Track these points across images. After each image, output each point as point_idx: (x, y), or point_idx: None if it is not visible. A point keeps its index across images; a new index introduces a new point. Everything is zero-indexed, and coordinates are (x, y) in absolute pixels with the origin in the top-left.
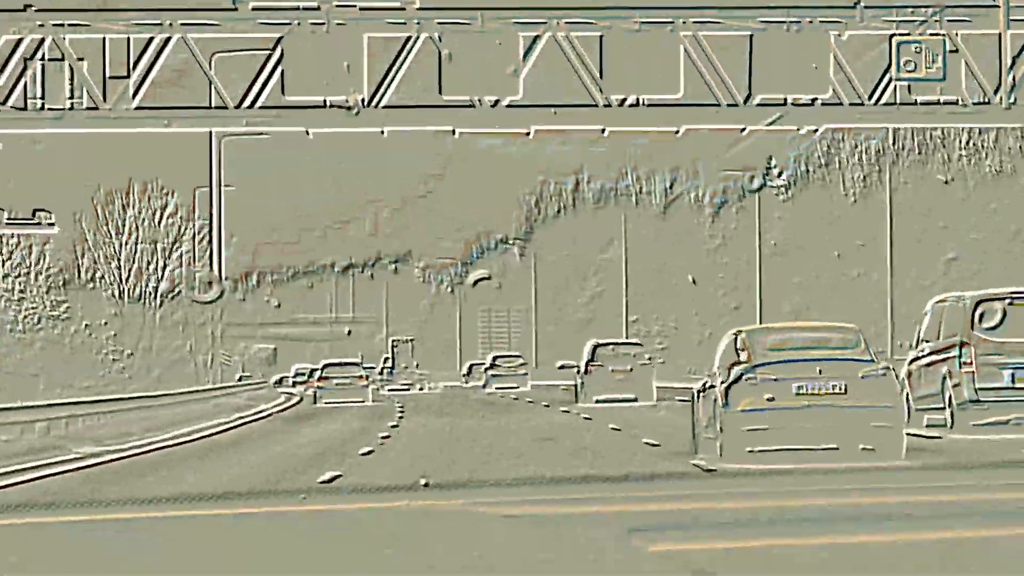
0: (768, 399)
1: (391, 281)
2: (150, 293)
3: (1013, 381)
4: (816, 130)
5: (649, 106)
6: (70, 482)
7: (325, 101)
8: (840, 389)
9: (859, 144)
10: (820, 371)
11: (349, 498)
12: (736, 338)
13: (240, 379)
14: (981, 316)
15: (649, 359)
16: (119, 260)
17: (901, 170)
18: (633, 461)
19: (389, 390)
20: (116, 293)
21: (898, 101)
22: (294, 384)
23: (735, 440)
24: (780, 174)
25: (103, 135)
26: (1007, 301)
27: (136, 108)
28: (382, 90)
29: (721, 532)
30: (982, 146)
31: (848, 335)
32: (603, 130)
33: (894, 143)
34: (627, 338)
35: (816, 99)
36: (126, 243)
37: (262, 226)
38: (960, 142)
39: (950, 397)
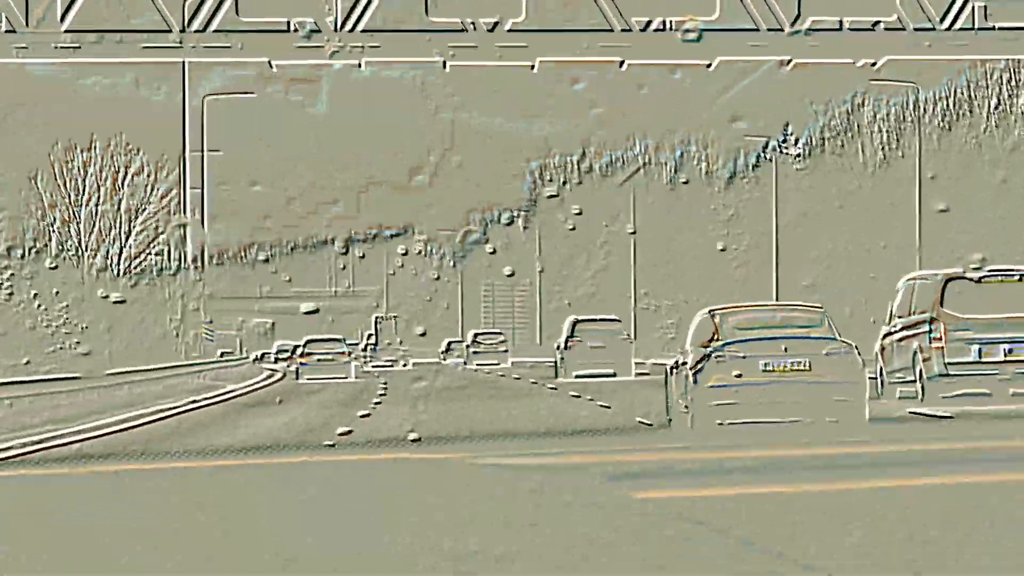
0: (736, 375)
1: (392, 254)
2: (113, 261)
3: (980, 356)
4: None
5: (675, 31)
6: None
7: (289, 24)
8: (805, 366)
9: (880, 109)
10: (786, 349)
11: (349, 451)
12: (707, 317)
13: (222, 355)
14: (950, 293)
15: (627, 336)
16: (78, 224)
17: (924, 137)
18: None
19: (373, 366)
20: (75, 262)
21: (976, 26)
22: (276, 360)
23: (705, 414)
24: (796, 142)
25: (62, 86)
26: (975, 279)
27: (65, 32)
28: (357, 11)
29: (699, 480)
30: (1010, 110)
31: (813, 315)
32: (621, 63)
33: (916, 109)
34: (635, 310)
35: (878, 22)
36: (86, 204)
37: (254, 196)
38: (988, 107)
39: (921, 371)
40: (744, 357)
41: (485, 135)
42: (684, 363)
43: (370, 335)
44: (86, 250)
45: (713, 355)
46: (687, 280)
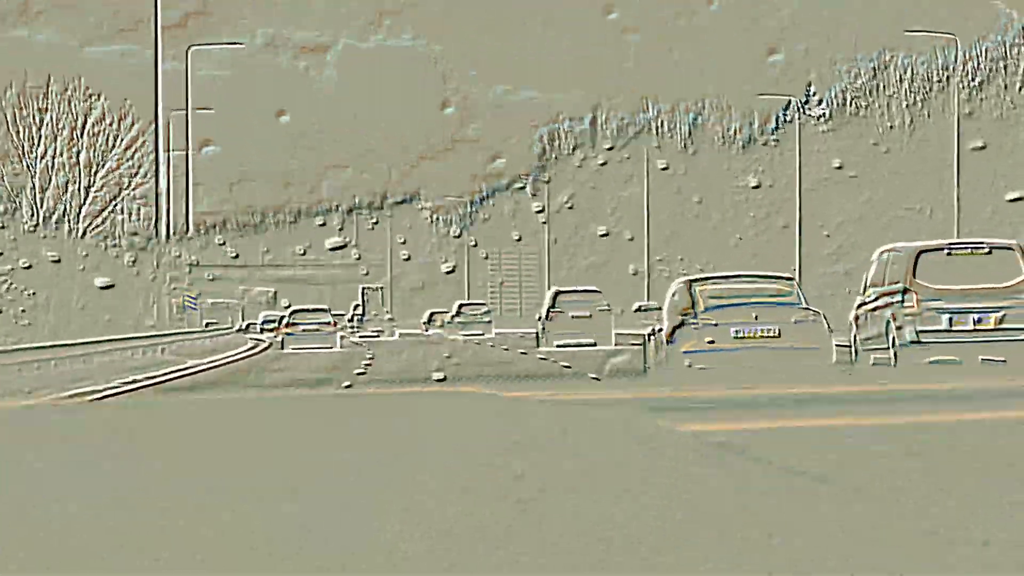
0: (708, 342)
1: (396, 223)
2: (72, 219)
3: (951, 324)
4: None
5: None
6: None
7: None
8: (774, 333)
9: (907, 68)
10: (756, 317)
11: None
12: (683, 287)
13: (207, 325)
14: (922, 264)
15: (608, 306)
16: (33, 178)
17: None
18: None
19: (359, 337)
20: (29, 220)
21: None
22: (262, 331)
23: (680, 379)
24: (820, 102)
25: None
26: (946, 251)
27: None
28: None
29: (733, 415)
30: None
31: (783, 285)
32: None
33: (950, 64)
34: (650, 272)
35: None
36: (42, 157)
37: (251, 162)
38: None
39: (894, 338)
40: (716, 324)
41: (494, 103)
42: (660, 330)
43: (356, 305)
44: (41, 207)
45: (687, 322)
46: (704, 246)
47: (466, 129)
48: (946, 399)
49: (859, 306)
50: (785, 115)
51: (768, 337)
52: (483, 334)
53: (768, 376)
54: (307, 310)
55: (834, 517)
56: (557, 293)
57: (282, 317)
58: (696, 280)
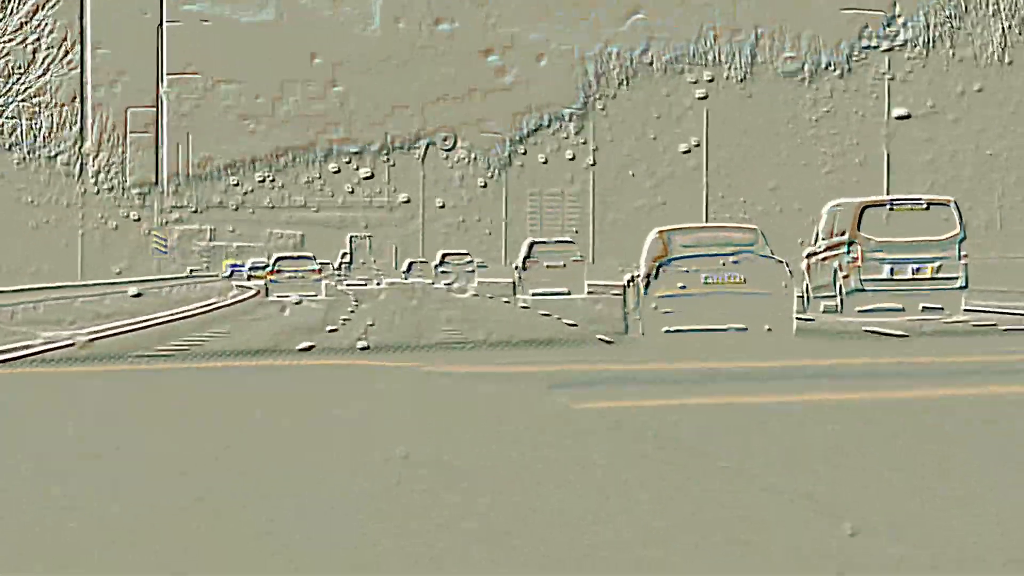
0: (680, 287)
1: (433, 162)
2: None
3: (892, 274)
4: None
5: None
6: None
7: None
8: (740, 279)
9: None
10: (724, 264)
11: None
12: (657, 237)
13: (191, 272)
14: (866, 218)
15: (581, 257)
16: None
17: None
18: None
19: (346, 285)
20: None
21: None
22: (249, 278)
23: (654, 321)
24: (904, 28)
25: None
26: (888, 206)
27: None
28: None
29: (639, 391)
30: None
31: (749, 235)
32: None
33: None
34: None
35: None
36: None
37: (289, 104)
38: None
39: (840, 287)
40: (687, 271)
41: (539, 43)
42: (637, 276)
43: (344, 253)
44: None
45: (661, 269)
46: (768, 189)
47: (507, 70)
48: (872, 375)
49: (809, 256)
50: (863, 41)
51: (735, 283)
52: (465, 283)
53: (733, 318)
54: (292, 257)
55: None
56: (532, 244)
57: (266, 264)
58: (669, 230)
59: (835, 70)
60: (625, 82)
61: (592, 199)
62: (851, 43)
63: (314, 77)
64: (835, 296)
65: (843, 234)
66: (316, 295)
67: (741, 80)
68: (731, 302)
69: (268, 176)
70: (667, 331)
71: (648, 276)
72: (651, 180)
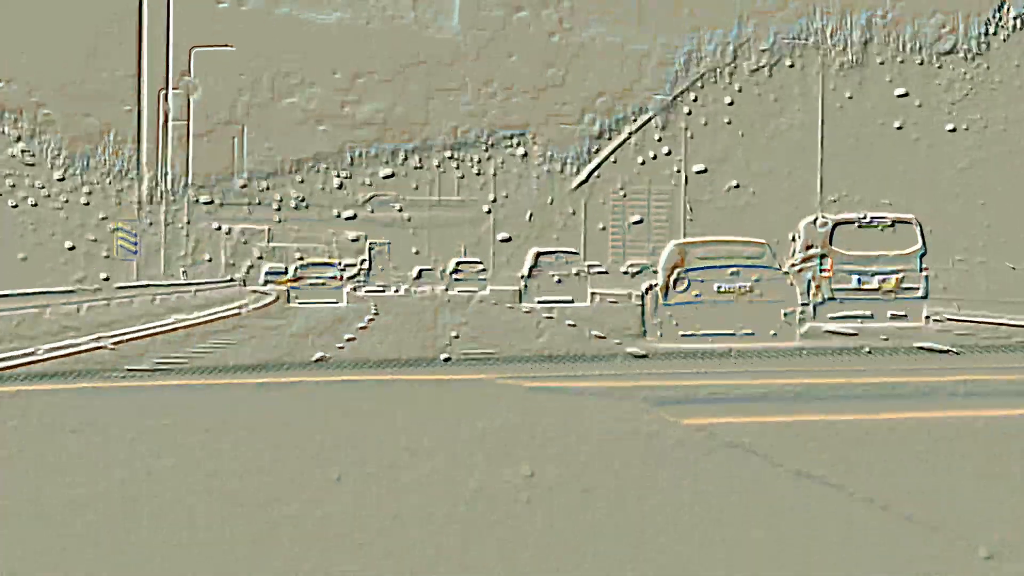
0: (696, 295)
1: (505, 161)
2: None
3: (859, 284)
4: None
5: None
6: None
7: None
8: (749, 288)
9: None
10: (734, 274)
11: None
12: (675, 248)
13: (185, 274)
14: (838, 234)
15: (585, 267)
16: None
17: None
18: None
19: (365, 291)
20: None
21: None
22: (266, 283)
23: (671, 326)
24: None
25: None
26: (856, 224)
27: None
28: None
29: (742, 408)
30: None
31: (758, 248)
32: None
33: None
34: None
35: None
36: None
37: (347, 100)
38: None
39: (812, 296)
40: (702, 280)
41: (623, 35)
42: (656, 285)
43: (363, 260)
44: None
45: (678, 278)
46: (888, 177)
47: (582, 63)
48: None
49: (788, 268)
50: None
51: (744, 292)
52: (477, 291)
53: (743, 322)
54: (314, 264)
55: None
56: (538, 254)
57: (286, 269)
58: (686, 243)
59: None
60: (721, 74)
61: (684, 200)
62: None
63: (383, 75)
64: (808, 304)
65: (816, 247)
66: (337, 302)
67: (854, 63)
68: (741, 309)
69: (334, 174)
70: (683, 335)
71: (666, 285)
72: (749, 174)
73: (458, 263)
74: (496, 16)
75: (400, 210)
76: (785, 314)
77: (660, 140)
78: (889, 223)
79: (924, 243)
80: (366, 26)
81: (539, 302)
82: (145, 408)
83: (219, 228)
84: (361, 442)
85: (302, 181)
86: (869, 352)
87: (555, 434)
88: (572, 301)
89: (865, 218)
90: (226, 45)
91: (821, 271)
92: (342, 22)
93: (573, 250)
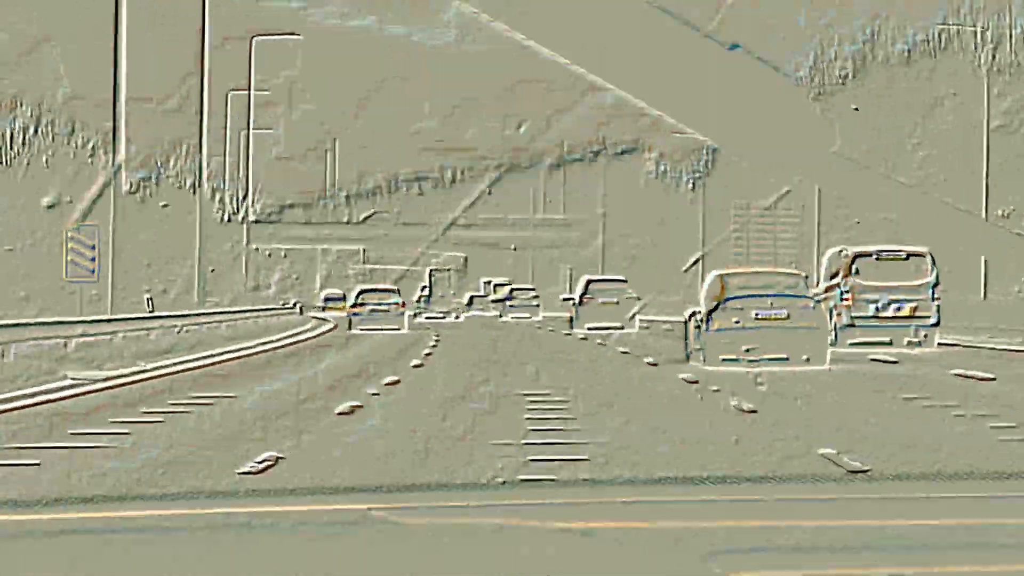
0: (735, 322)
1: (616, 174)
2: None
3: (877, 312)
4: None
5: None
6: None
7: None
8: (785, 316)
9: None
10: (772, 303)
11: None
12: (716, 278)
13: (283, 305)
14: (858, 265)
15: (632, 295)
16: None
17: None
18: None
19: (426, 318)
20: None
21: None
22: (324, 309)
23: (713, 350)
24: None
25: None
26: (874, 256)
27: None
28: None
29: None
30: None
31: (793, 279)
32: None
33: None
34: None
35: None
36: None
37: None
38: None
39: (834, 323)
40: (741, 308)
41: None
42: (698, 312)
43: (424, 287)
44: None
45: (719, 306)
46: None
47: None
48: None
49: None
50: None
51: (780, 319)
52: (531, 316)
53: (779, 348)
54: (376, 290)
55: None
56: (589, 282)
57: (344, 295)
58: (726, 274)
59: None
60: (854, 72)
61: (817, 214)
62: None
63: (486, 91)
64: (831, 331)
65: (839, 277)
66: (399, 329)
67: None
68: (777, 335)
69: (432, 187)
70: (723, 359)
71: (708, 313)
72: (889, 187)
73: (512, 289)
74: None
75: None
76: (816, 340)
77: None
78: (904, 256)
79: (935, 275)
80: (473, 46)
81: (588, 328)
82: None
83: (272, 252)
84: None
85: (395, 200)
86: None
87: None
88: (621, 327)
89: (883, 251)
90: (292, 33)
91: (843, 299)
92: (449, 45)
93: (622, 278)
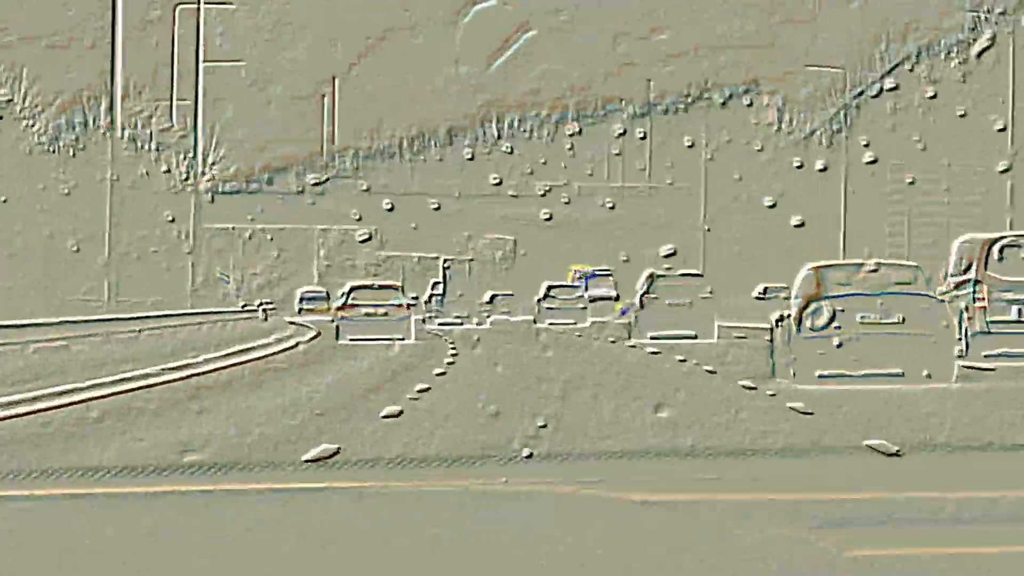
0: (836, 327)
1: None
2: None
3: (1020, 315)
4: None
5: None
6: None
7: None
8: (899, 319)
9: None
10: (881, 303)
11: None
12: (810, 273)
13: (244, 307)
14: (994, 256)
15: (711, 292)
16: None
17: None
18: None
19: (438, 324)
20: None
21: None
22: (300, 311)
23: (805, 363)
24: None
25: None
26: (1017, 244)
27: None
28: None
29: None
30: None
31: (909, 272)
32: None
33: None
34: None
35: None
36: None
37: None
38: None
39: (965, 329)
40: (843, 310)
41: None
42: (788, 315)
43: (436, 283)
44: None
45: (814, 308)
46: None
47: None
48: None
49: (940, 295)
50: None
51: (893, 323)
52: (576, 323)
53: (891, 361)
54: (370, 287)
55: None
56: (653, 277)
57: (327, 294)
58: (824, 267)
59: None
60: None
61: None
62: None
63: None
64: (961, 339)
65: (970, 272)
66: (403, 338)
67: None
68: (888, 344)
69: (466, 156)
70: (820, 375)
71: (800, 315)
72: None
73: (550, 287)
74: None
75: (608, 204)
76: (940, 351)
77: (971, 83)
78: None
79: None
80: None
81: (652, 338)
82: None
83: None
84: None
85: (421, 156)
86: None
87: None
88: (695, 337)
89: None
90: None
91: (975, 299)
92: None
93: (697, 272)
